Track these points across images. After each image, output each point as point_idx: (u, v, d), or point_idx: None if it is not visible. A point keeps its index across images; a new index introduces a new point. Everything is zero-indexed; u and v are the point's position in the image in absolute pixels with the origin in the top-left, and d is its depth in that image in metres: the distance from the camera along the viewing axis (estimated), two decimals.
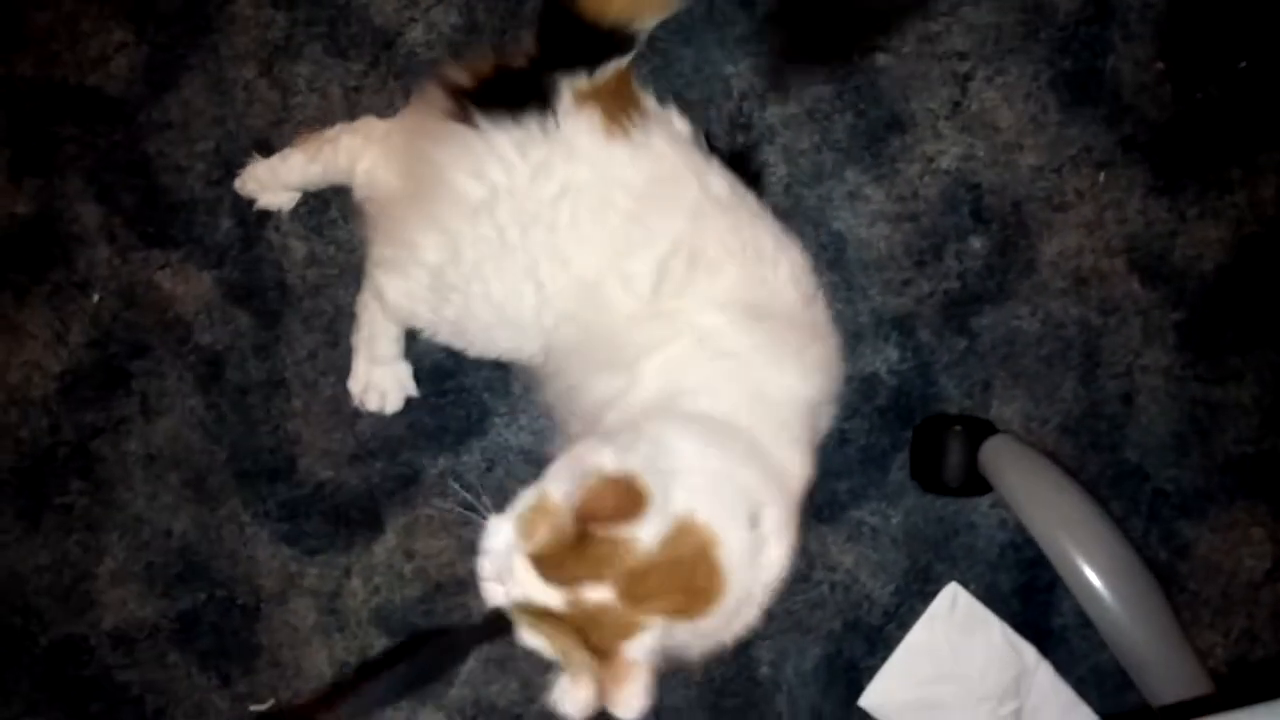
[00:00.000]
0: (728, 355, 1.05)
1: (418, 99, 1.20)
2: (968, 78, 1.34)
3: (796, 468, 1.04)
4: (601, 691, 0.92)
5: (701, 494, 0.94)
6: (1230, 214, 1.33)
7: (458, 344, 1.21)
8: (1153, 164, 1.33)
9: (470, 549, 1.36)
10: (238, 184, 1.35)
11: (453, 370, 1.38)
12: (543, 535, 0.91)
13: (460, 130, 1.09)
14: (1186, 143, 1.33)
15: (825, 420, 1.12)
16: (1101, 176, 1.33)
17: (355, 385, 1.33)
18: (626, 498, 0.88)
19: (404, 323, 1.26)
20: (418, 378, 1.35)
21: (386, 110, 1.36)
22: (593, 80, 1.10)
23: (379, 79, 1.38)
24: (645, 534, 0.89)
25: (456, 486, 1.08)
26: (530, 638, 0.95)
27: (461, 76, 1.14)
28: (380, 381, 1.33)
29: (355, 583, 1.39)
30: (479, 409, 1.38)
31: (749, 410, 1.03)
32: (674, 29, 1.28)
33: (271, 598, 1.40)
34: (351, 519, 1.39)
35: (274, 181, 1.34)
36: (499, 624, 0.97)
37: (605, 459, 0.90)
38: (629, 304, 1.08)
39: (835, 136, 1.35)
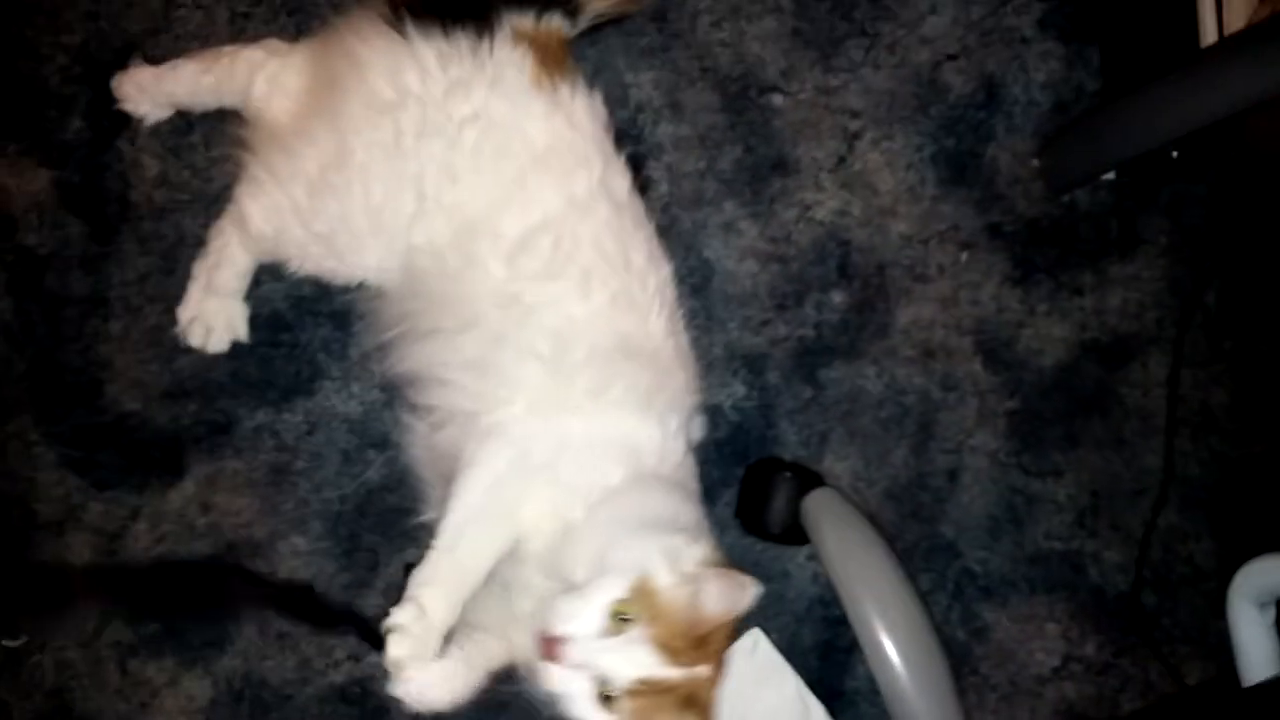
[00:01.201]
0: (609, 406, 1.05)
1: (354, 9, 1.18)
2: (856, 136, 1.36)
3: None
4: None
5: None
6: (1076, 316, 1.38)
7: (326, 265, 1.16)
8: (1013, 254, 1.37)
9: (272, 511, 1.31)
10: (114, 83, 1.28)
11: (290, 323, 1.32)
12: (664, 624, 0.93)
13: (389, 34, 1.10)
14: (1047, 241, 1.38)
15: (697, 432, 1.15)
16: (964, 256, 1.37)
17: (184, 313, 1.26)
18: (740, 590, 0.95)
19: (264, 251, 1.21)
20: (253, 325, 1.29)
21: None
22: (535, 25, 1.12)
23: (270, 10, 1.33)
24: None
25: None
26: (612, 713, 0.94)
27: None
28: (211, 315, 1.26)
29: (141, 527, 1.31)
30: (311, 368, 1.32)
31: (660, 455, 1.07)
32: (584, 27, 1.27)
33: (47, 526, 1.30)
34: (151, 459, 1.31)
35: (157, 90, 1.27)
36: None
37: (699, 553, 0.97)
38: (492, 268, 1.07)
39: (721, 166, 1.36)
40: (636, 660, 0.92)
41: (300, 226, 1.14)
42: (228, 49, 1.25)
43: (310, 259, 1.17)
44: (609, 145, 1.15)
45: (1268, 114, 1.25)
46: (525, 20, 1.13)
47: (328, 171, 1.11)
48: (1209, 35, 1.33)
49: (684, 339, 1.16)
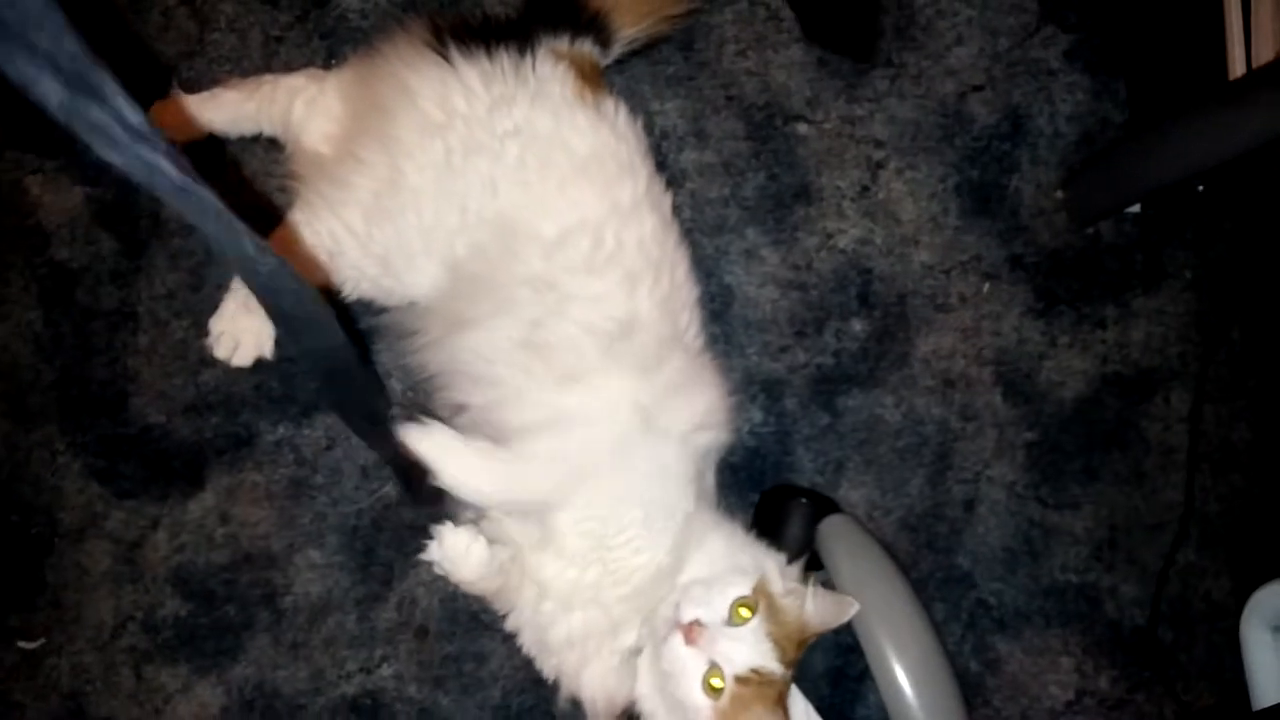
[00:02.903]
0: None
1: (395, 34, 1.19)
2: (880, 166, 1.36)
3: None
4: None
5: None
6: (1098, 350, 1.37)
7: (383, 284, 1.17)
8: (1035, 286, 1.37)
9: (290, 524, 1.33)
10: (153, 112, 1.30)
11: None
12: (778, 624, 1.01)
13: (434, 59, 1.12)
14: (1070, 273, 1.37)
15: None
16: (986, 287, 1.37)
17: (216, 325, 1.27)
18: (842, 606, 1.06)
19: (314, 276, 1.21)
20: (278, 342, 1.30)
21: (304, 66, 1.34)
22: (570, 48, 1.15)
23: (304, 34, 1.35)
24: None
25: None
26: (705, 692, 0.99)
27: (444, 19, 1.17)
28: (241, 331, 1.27)
29: (160, 536, 1.32)
30: None
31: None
32: (616, 55, 1.28)
33: (68, 534, 1.32)
34: (172, 470, 1.33)
35: (196, 118, 1.28)
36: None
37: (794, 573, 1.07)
38: (531, 262, 1.08)
39: (744, 194, 1.36)
40: (757, 649, 1.00)
41: (357, 250, 1.15)
42: (268, 77, 1.27)
43: (367, 280, 1.17)
44: (651, 162, 1.17)
45: None
46: (560, 43, 1.16)
47: (382, 197, 1.12)
48: (1237, 68, 1.32)
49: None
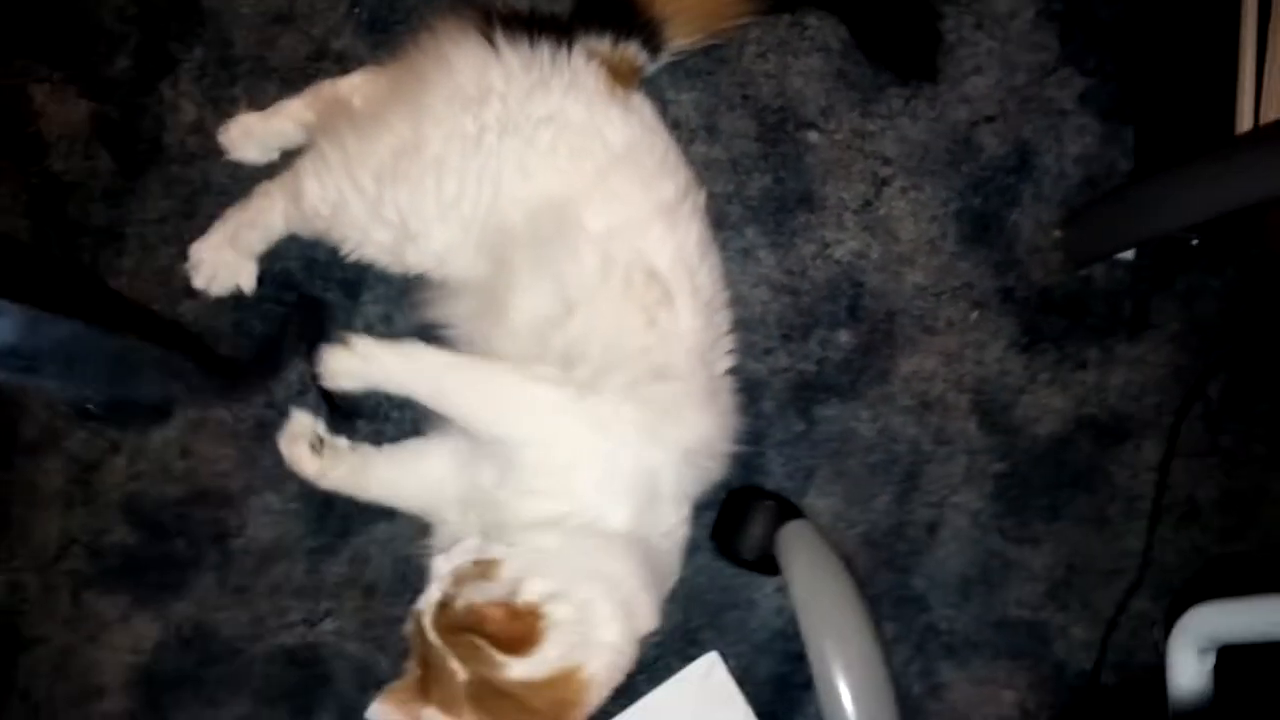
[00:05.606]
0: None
1: (448, 15, 1.20)
2: (885, 182, 1.37)
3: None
4: None
5: None
6: (1077, 390, 1.38)
7: (396, 252, 1.16)
8: (1023, 320, 1.38)
9: (251, 465, 1.31)
10: (220, 134, 1.30)
11: (299, 283, 1.33)
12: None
13: (478, 38, 1.13)
14: (1058, 312, 1.38)
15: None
16: (974, 315, 1.37)
17: (197, 251, 1.26)
18: None
19: (312, 229, 1.21)
20: (262, 280, 1.29)
21: (329, 11, 1.34)
22: (611, 50, 1.17)
23: None
24: None
25: None
26: None
27: (497, 8, 1.21)
28: (223, 264, 1.27)
29: (119, 461, 1.31)
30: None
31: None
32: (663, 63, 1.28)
33: (25, 448, 1.30)
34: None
35: (265, 131, 1.30)
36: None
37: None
38: (580, 250, 1.09)
39: (748, 193, 1.37)
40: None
41: (364, 210, 1.15)
42: (327, 84, 1.29)
43: (373, 244, 1.17)
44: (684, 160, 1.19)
45: None
46: (601, 44, 1.17)
47: (400, 159, 1.12)
48: (1245, 123, 1.33)
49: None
